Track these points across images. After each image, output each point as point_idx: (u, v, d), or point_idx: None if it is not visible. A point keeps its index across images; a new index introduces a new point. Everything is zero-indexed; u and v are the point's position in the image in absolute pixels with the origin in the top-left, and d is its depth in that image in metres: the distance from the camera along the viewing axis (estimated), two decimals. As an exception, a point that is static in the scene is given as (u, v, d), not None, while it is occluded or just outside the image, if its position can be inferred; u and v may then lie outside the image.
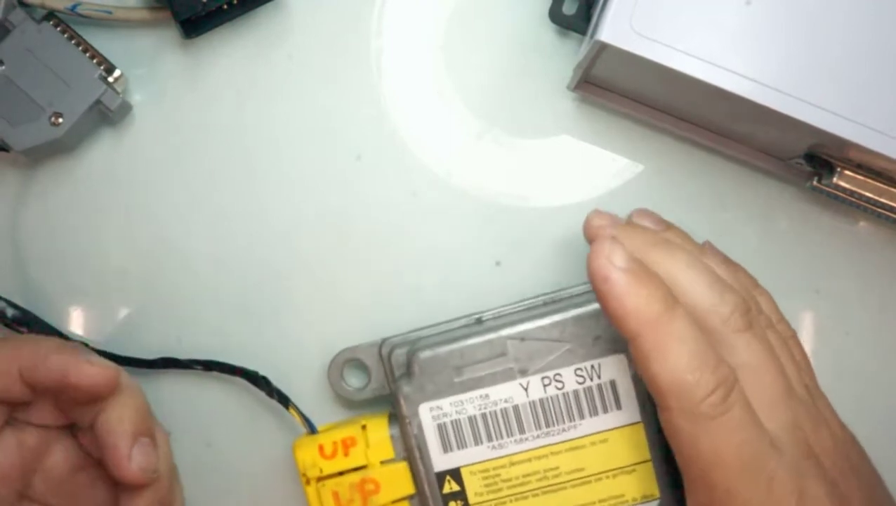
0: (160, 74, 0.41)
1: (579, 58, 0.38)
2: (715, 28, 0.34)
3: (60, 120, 0.39)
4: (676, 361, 0.31)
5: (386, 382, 0.39)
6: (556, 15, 0.40)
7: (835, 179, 0.37)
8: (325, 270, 0.41)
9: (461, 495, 0.37)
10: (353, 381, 0.40)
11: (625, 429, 0.36)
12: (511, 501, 0.36)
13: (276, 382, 0.40)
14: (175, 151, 0.41)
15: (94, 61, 0.39)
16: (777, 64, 0.34)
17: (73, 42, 0.39)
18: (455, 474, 0.36)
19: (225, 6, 0.39)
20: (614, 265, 0.31)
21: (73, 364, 0.35)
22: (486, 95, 0.41)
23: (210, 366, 0.40)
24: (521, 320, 0.36)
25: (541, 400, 0.36)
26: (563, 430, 0.36)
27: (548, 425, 0.36)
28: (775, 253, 0.41)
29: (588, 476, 0.36)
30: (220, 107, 0.41)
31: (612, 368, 0.36)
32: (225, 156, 0.41)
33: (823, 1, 0.34)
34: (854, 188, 0.37)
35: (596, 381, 0.36)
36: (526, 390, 0.36)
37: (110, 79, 0.40)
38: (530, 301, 0.38)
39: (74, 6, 0.39)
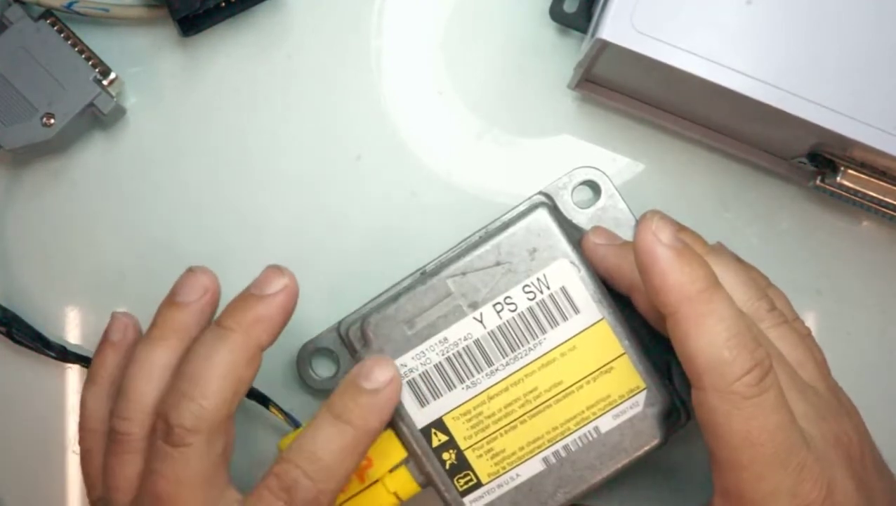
0: (157, 73, 0.41)
1: (580, 56, 0.38)
2: (716, 26, 0.34)
3: (52, 121, 0.39)
4: (714, 337, 0.31)
5: (352, 360, 0.38)
6: (556, 13, 0.39)
7: (838, 179, 0.37)
8: (324, 270, 0.41)
9: (451, 443, 0.36)
10: (323, 371, 0.40)
11: (589, 330, 0.36)
12: (501, 434, 0.36)
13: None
14: (172, 150, 0.41)
15: (90, 63, 0.39)
16: (779, 61, 0.34)
17: (69, 42, 0.39)
18: (439, 424, 0.36)
19: (223, 3, 0.39)
20: (660, 241, 0.31)
21: None
22: (486, 95, 0.41)
23: None
24: (459, 258, 0.36)
25: (499, 327, 0.36)
26: (530, 349, 0.36)
27: (513, 350, 0.36)
28: (777, 253, 0.41)
29: (568, 388, 0.36)
30: (219, 106, 0.41)
31: (558, 276, 0.36)
32: (224, 156, 0.41)
33: (825, -1, 0.34)
34: (858, 187, 0.37)
35: (546, 292, 0.36)
36: (481, 321, 0.36)
37: (105, 82, 0.39)
38: (466, 240, 0.38)
39: (71, 3, 0.38)
